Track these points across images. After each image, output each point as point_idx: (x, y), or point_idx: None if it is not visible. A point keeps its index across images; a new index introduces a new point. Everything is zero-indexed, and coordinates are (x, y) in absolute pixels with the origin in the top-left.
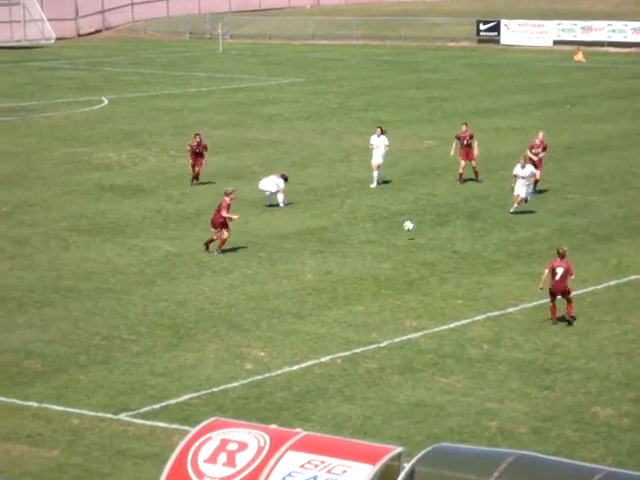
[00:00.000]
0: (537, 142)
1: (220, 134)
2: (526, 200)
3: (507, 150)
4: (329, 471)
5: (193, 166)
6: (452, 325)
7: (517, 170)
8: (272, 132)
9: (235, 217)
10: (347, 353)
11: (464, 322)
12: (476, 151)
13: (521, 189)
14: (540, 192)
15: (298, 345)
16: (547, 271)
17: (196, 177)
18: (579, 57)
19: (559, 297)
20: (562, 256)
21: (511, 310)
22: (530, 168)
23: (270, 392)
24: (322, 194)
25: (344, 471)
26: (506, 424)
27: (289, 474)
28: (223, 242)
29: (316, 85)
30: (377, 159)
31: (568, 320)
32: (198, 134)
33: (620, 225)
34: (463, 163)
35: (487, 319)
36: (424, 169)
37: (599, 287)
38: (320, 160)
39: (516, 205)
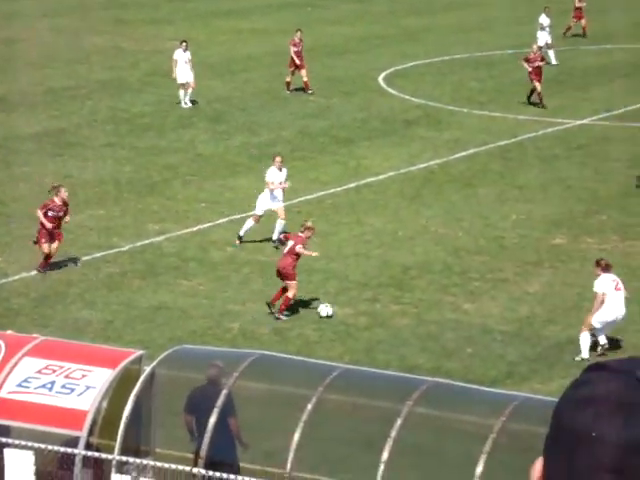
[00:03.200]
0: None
1: None
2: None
3: (248, 52)
4: (67, 376)
5: (57, 239)
6: (195, 228)
7: (272, 176)
8: (6, 30)
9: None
10: (88, 257)
11: (207, 225)
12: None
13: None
14: None
15: (35, 250)
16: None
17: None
18: None
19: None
20: (308, 229)
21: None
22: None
23: (7, 298)
24: (60, 95)
25: (83, 375)
26: (248, 325)
27: (25, 380)
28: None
29: None
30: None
31: (276, 314)
32: (61, 185)
33: (360, 128)
34: (294, 71)
35: (230, 222)
36: (166, 70)
37: (339, 189)
38: (58, 60)
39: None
